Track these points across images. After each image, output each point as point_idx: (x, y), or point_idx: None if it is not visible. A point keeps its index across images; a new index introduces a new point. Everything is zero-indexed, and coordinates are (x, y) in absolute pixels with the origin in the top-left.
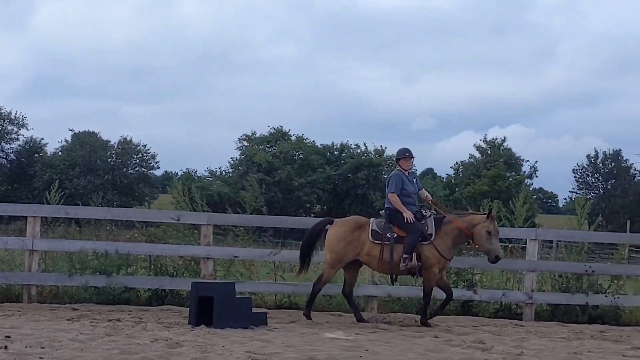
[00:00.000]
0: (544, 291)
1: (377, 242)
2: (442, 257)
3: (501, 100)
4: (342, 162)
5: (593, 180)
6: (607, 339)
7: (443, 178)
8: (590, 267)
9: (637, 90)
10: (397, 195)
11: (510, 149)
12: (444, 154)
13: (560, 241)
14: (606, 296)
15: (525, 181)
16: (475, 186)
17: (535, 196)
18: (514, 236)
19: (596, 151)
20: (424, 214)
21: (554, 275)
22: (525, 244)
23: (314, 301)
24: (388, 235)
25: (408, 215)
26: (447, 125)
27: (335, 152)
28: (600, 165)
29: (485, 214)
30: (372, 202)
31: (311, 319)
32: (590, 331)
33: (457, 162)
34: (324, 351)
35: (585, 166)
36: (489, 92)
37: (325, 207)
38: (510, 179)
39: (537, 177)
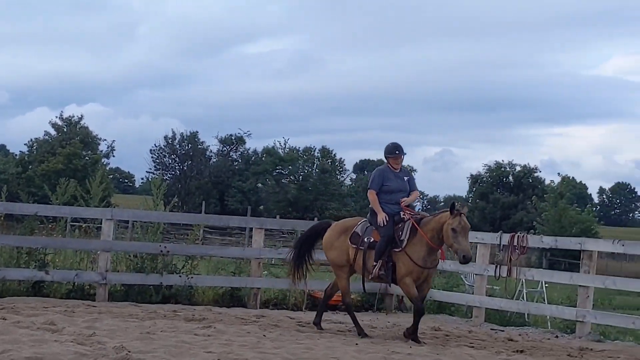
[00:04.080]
0: (118, 271)
1: (354, 245)
2: (416, 265)
3: (79, 78)
4: None
5: (170, 161)
6: (179, 318)
7: (16, 155)
8: (166, 247)
9: (212, 73)
10: (376, 192)
11: (87, 128)
12: (18, 130)
13: (136, 221)
14: (180, 276)
15: (102, 160)
16: (49, 164)
17: (111, 176)
18: (89, 216)
19: (174, 132)
20: (403, 217)
21: (129, 256)
22: (101, 223)
23: (355, 316)
24: (365, 239)
25: (381, 217)
26: (21, 100)
27: None
28: (178, 146)
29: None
30: None
31: (365, 335)
32: (163, 311)
33: (31, 139)
34: None
35: (163, 147)
36: (67, 69)
37: None
38: (87, 158)
39: (114, 156)
